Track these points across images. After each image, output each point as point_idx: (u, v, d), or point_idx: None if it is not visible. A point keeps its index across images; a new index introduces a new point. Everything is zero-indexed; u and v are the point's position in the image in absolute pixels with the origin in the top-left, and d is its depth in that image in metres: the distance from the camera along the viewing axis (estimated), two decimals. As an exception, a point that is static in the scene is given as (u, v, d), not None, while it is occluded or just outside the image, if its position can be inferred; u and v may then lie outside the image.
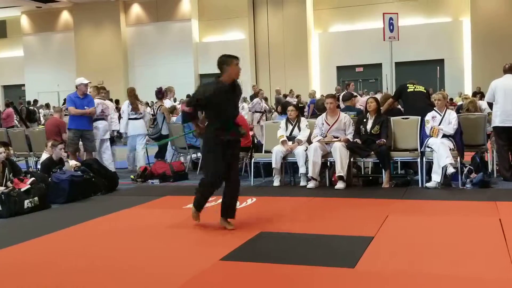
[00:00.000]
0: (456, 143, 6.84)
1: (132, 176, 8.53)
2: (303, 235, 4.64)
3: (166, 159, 9.25)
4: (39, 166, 7.88)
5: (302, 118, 7.88)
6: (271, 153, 7.42)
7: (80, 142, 8.58)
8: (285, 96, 17.92)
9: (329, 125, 7.34)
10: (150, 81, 21.22)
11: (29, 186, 6.23)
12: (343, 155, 6.93)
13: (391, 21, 14.27)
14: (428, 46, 21.46)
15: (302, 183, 7.28)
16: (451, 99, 15.29)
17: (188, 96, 15.45)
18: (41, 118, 17.76)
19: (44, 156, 7.58)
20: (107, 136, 9.24)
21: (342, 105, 8.99)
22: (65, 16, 26.59)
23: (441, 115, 7.01)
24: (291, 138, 7.49)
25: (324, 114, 7.50)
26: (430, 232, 4.64)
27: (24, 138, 9.78)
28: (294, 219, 5.34)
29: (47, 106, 20.76)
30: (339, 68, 23.54)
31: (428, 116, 7.07)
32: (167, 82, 15.66)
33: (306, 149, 7.22)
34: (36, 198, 6.22)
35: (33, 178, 6.40)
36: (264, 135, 8.16)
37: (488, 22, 20.56)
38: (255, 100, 15.17)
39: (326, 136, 7.30)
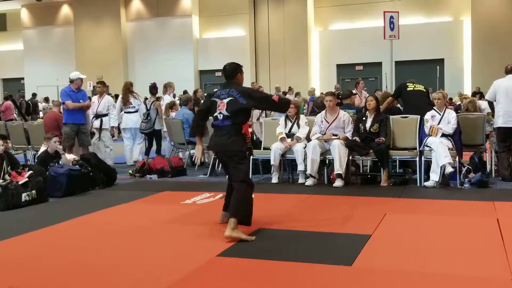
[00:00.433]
0: (455, 142, 6.84)
1: (130, 171, 8.53)
2: (300, 232, 4.64)
3: (164, 155, 9.24)
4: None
5: (302, 116, 7.89)
6: (270, 150, 7.42)
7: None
8: (284, 93, 17.90)
9: (328, 122, 7.34)
10: (149, 76, 21.04)
11: (27, 179, 6.23)
12: (342, 153, 6.93)
13: (391, 19, 14.28)
14: (428, 46, 21.44)
15: (301, 181, 7.27)
16: (451, 99, 15.28)
17: (185, 92, 15.42)
18: (40, 113, 17.78)
19: (43, 149, 7.56)
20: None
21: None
22: (65, 10, 26.52)
23: (440, 115, 7.00)
24: (290, 135, 7.49)
25: (323, 112, 7.50)
26: (427, 231, 4.64)
27: (22, 131, 9.77)
28: (292, 216, 5.33)
29: (46, 100, 20.75)
30: (339, 66, 23.51)
31: (428, 115, 7.07)
32: (167, 77, 15.61)
33: (305, 147, 7.22)
34: (33, 192, 6.21)
35: (31, 172, 6.39)
36: (263, 132, 8.16)
37: (489, 22, 20.54)
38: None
39: (325, 133, 7.30)
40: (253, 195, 4.75)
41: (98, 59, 24.58)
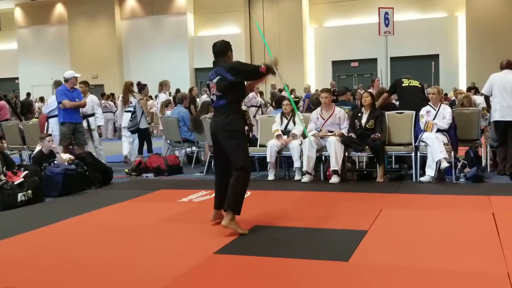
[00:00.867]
0: (450, 137, 6.86)
1: (126, 170, 8.52)
2: (297, 229, 4.64)
3: (160, 153, 9.23)
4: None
5: (297, 112, 7.88)
6: (266, 147, 7.42)
7: None
8: (280, 90, 17.89)
9: (324, 119, 7.34)
10: (145, 75, 21.09)
11: (23, 179, 6.21)
12: (337, 149, 6.94)
13: (386, 15, 14.28)
14: (423, 41, 21.46)
15: (297, 177, 7.28)
16: (446, 94, 15.31)
17: (177, 90, 15.38)
18: (36, 113, 17.72)
19: (38, 149, 7.54)
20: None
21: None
22: (59, 9, 26.41)
23: (435, 110, 7.02)
24: (286, 132, 7.49)
25: (319, 109, 7.50)
26: (423, 226, 4.65)
27: (17, 131, 9.73)
28: (289, 213, 5.33)
29: (42, 99, 20.67)
30: (334, 63, 23.51)
31: (423, 111, 7.08)
32: (162, 76, 15.58)
33: (301, 143, 7.23)
34: (29, 192, 6.19)
35: (26, 172, 6.38)
36: (259, 129, 8.16)
37: (483, 17, 20.57)
38: (251, 94, 15.13)
39: (321, 130, 7.30)
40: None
41: (93, 58, 24.51)
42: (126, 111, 9.71)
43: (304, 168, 7.07)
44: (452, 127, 6.93)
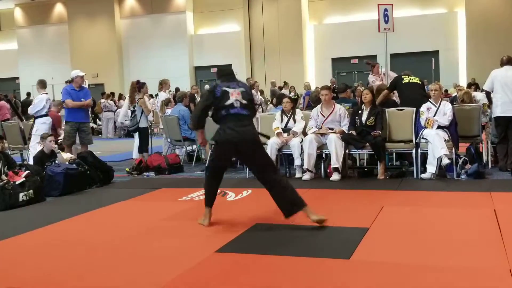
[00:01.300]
0: (451, 134, 6.86)
1: (127, 169, 8.52)
2: (298, 227, 4.64)
3: (161, 152, 9.23)
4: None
5: (297, 110, 7.88)
6: (266, 145, 7.42)
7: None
8: (280, 88, 17.89)
9: (324, 116, 7.34)
10: (144, 73, 21.09)
11: (24, 179, 6.21)
12: (338, 146, 6.93)
13: (386, 12, 14.21)
14: (423, 38, 21.41)
15: (298, 175, 7.28)
16: (446, 91, 15.29)
17: (177, 89, 15.38)
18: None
19: (39, 149, 7.55)
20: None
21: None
22: (59, 9, 26.39)
23: (436, 106, 7.01)
24: (286, 130, 7.49)
25: (319, 106, 7.50)
26: (425, 223, 4.65)
27: (18, 131, 9.74)
28: (290, 211, 5.33)
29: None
30: (334, 60, 23.47)
31: (423, 108, 7.07)
32: (162, 74, 15.57)
33: (301, 141, 7.22)
34: (31, 191, 6.20)
35: (28, 171, 6.38)
36: (260, 127, 8.15)
37: (483, 13, 20.54)
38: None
39: (321, 127, 7.30)
40: None
41: (93, 57, 24.49)
42: (132, 111, 9.62)
43: (305, 166, 7.07)
44: (453, 123, 6.92)
